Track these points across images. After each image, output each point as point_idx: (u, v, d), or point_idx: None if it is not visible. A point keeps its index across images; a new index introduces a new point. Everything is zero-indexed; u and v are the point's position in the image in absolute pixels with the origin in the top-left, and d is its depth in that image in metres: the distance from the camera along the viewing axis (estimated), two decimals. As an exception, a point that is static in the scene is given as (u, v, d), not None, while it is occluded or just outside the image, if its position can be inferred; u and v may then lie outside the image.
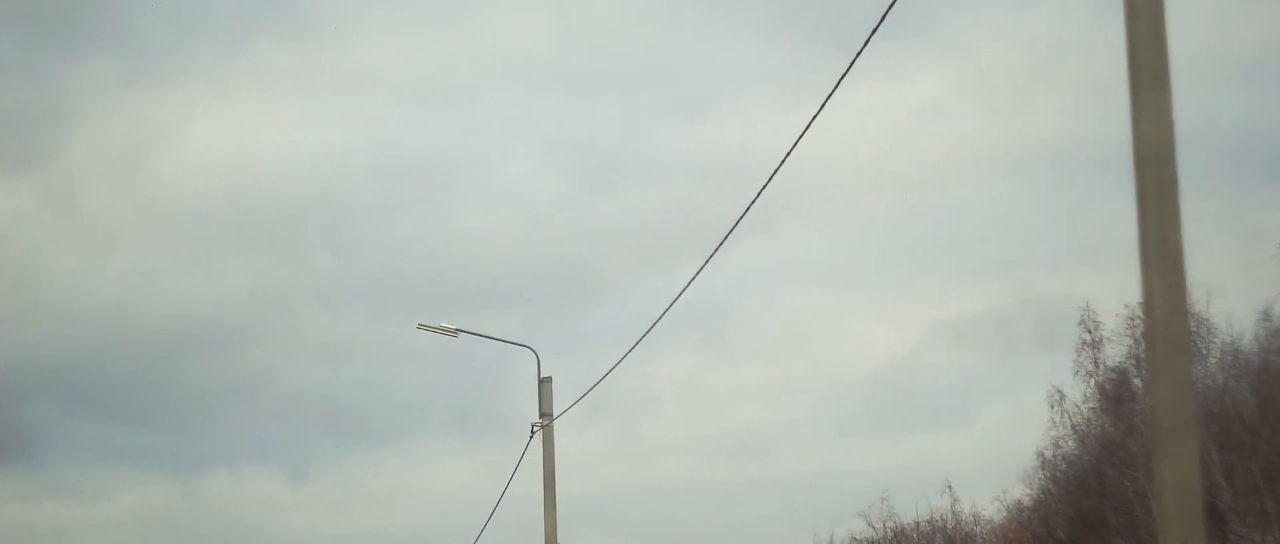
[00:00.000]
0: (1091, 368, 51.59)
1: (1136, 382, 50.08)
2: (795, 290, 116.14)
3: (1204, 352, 47.97)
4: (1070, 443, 52.42)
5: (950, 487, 60.61)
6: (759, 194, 23.18)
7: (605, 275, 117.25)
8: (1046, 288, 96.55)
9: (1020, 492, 57.14)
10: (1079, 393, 52.10)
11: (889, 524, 62.84)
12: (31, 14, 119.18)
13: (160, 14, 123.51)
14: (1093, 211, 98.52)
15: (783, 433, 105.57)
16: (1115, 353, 51.20)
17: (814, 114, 20.20)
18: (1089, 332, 51.46)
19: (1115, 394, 50.92)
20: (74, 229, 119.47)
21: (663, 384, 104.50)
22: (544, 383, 34.47)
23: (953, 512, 60.16)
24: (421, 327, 35.18)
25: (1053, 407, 52.38)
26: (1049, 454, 54.36)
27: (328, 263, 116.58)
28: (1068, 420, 52.35)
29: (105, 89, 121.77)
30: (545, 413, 34.21)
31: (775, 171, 22.26)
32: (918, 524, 63.29)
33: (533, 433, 34.22)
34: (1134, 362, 50.22)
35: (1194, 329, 46.96)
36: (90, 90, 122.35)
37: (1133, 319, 50.11)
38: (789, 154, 21.70)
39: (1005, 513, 57.78)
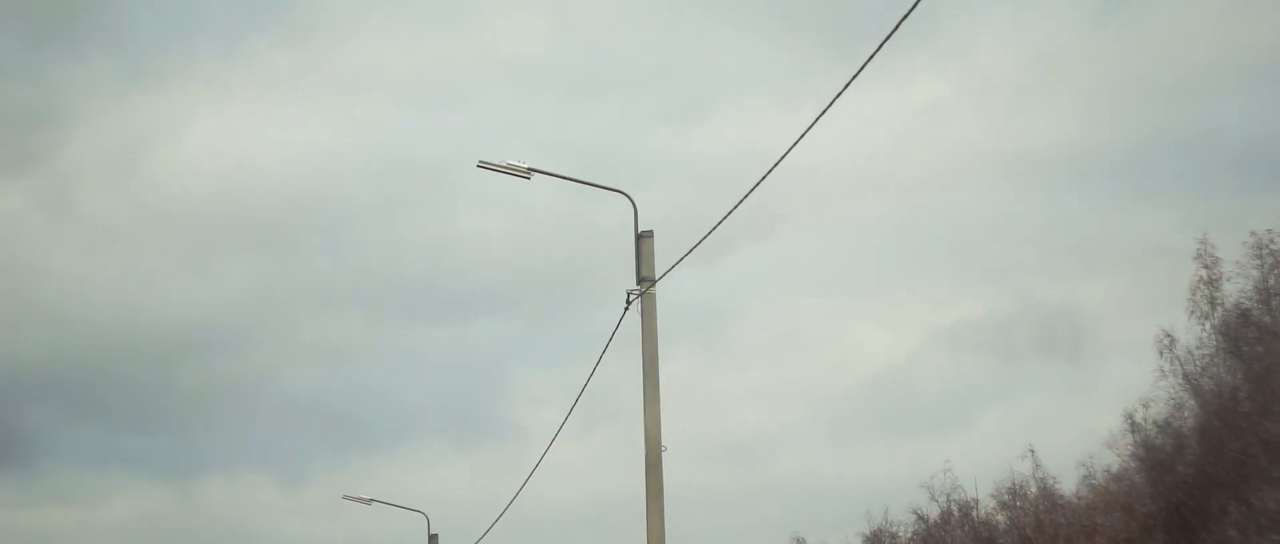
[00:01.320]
0: (1207, 309, 45.50)
1: (1265, 318, 44.04)
2: (794, 295, 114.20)
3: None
4: (1182, 392, 46.28)
5: (1032, 451, 54.49)
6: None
7: (603, 279, 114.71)
8: (1046, 293, 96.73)
9: (1108, 459, 51.31)
10: (1192, 337, 46.05)
11: (953, 497, 56.84)
12: (29, 14, 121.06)
13: (158, 15, 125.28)
14: (1092, 216, 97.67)
15: (781, 438, 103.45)
16: (1233, 289, 45.23)
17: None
18: (1206, 267, 45.44)
19: (1237, 335, 44.81)
20: (71, 230, 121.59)
21: (661, 388, 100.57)
22: (643, 238, 27.89)
23: (1035, 479, 53.93)
24: (483, 165, 28.40)
25: (1162, 353, 46.35)
26: (1139, 416, 48.49)
27: (325, 265, 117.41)
28: (1179, 368, 46.25)
29: (103, 90, 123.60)
30: (644, 277, 27.66)
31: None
32: (975, 500, 57.30)
33: (629, 302, 27.67)
34: (1261, 297, 44.20)
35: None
36: (87, 91, 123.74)
37: (1259, 247, 44.26)
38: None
39: (1092, 483, 51.69)
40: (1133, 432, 49.28)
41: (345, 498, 46.10)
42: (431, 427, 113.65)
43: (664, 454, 27.55)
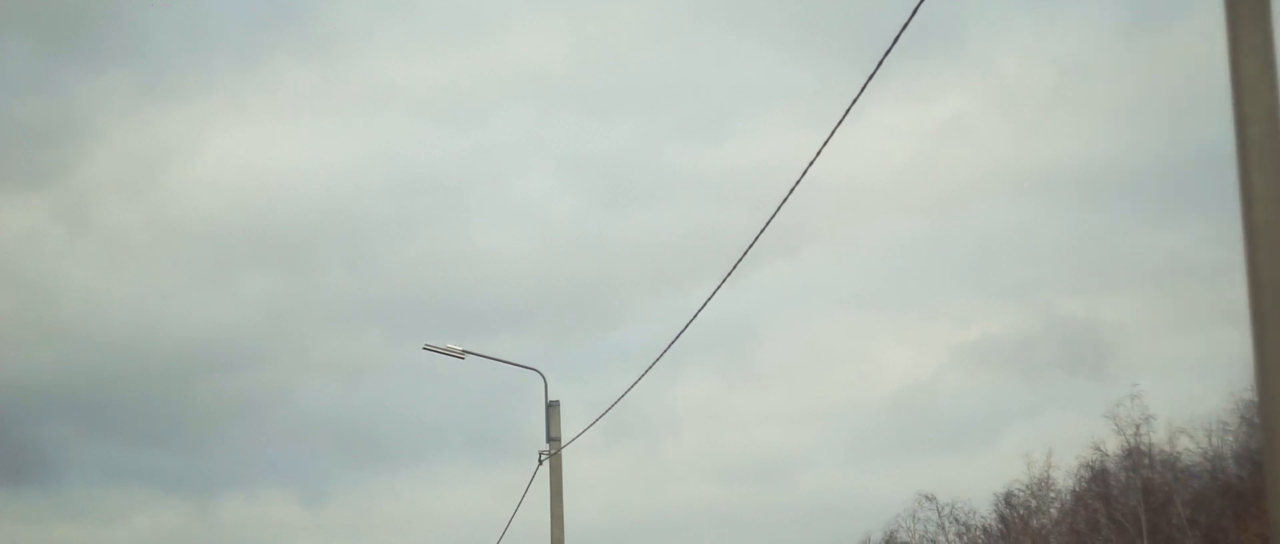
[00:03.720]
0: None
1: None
2: (817, 313, 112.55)
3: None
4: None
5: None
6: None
7: (622, 296, 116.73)
8: (1070, 311, 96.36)
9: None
10: None
11: (1133, 434, 55.82)
12: (45, 27, 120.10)
13: (175, 28, 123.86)
14: (1116, 232, 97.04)
15: (803, 456, 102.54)
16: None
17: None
18: None
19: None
20: (88, 246, 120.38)
21: (684, 407, 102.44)
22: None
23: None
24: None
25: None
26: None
27: (341, 282, 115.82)
28: None
29: (120, 104, 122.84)
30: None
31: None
32: (1150, 444, 56.04)
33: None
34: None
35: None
36: (105, 105, 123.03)
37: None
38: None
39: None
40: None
41: (426, 349, 38.85)
42: (448, 445, 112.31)
43: None
